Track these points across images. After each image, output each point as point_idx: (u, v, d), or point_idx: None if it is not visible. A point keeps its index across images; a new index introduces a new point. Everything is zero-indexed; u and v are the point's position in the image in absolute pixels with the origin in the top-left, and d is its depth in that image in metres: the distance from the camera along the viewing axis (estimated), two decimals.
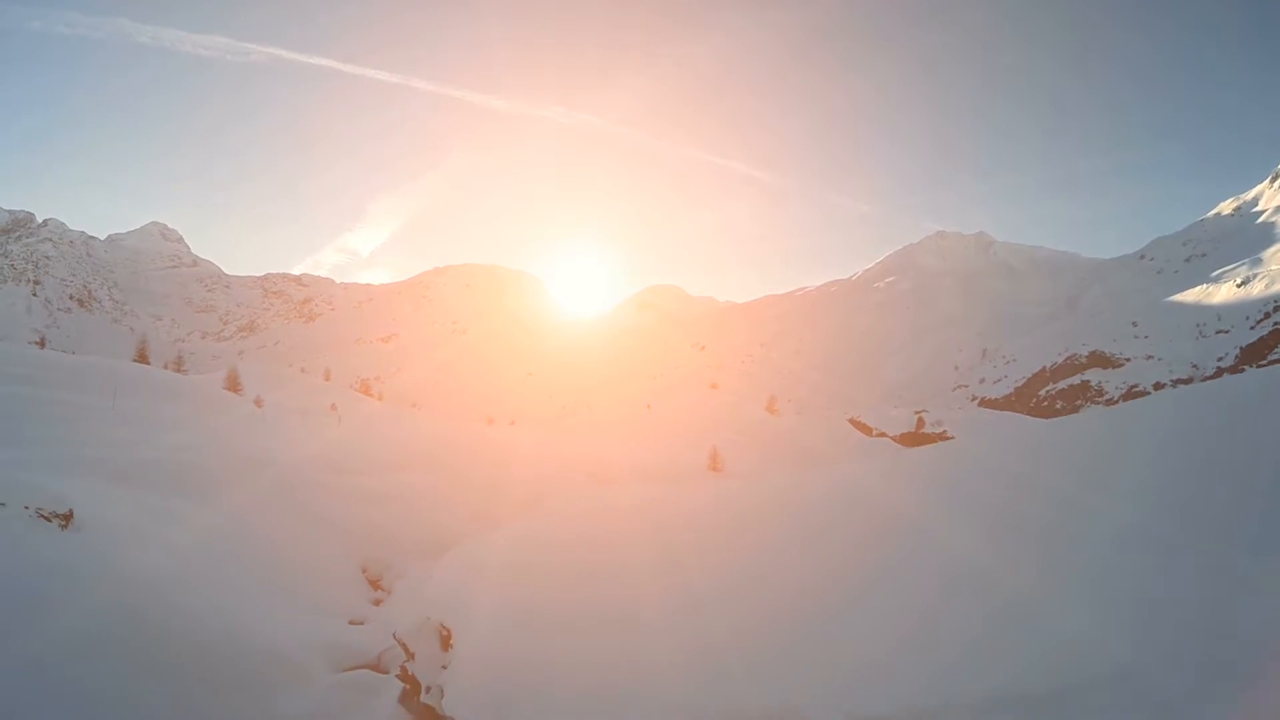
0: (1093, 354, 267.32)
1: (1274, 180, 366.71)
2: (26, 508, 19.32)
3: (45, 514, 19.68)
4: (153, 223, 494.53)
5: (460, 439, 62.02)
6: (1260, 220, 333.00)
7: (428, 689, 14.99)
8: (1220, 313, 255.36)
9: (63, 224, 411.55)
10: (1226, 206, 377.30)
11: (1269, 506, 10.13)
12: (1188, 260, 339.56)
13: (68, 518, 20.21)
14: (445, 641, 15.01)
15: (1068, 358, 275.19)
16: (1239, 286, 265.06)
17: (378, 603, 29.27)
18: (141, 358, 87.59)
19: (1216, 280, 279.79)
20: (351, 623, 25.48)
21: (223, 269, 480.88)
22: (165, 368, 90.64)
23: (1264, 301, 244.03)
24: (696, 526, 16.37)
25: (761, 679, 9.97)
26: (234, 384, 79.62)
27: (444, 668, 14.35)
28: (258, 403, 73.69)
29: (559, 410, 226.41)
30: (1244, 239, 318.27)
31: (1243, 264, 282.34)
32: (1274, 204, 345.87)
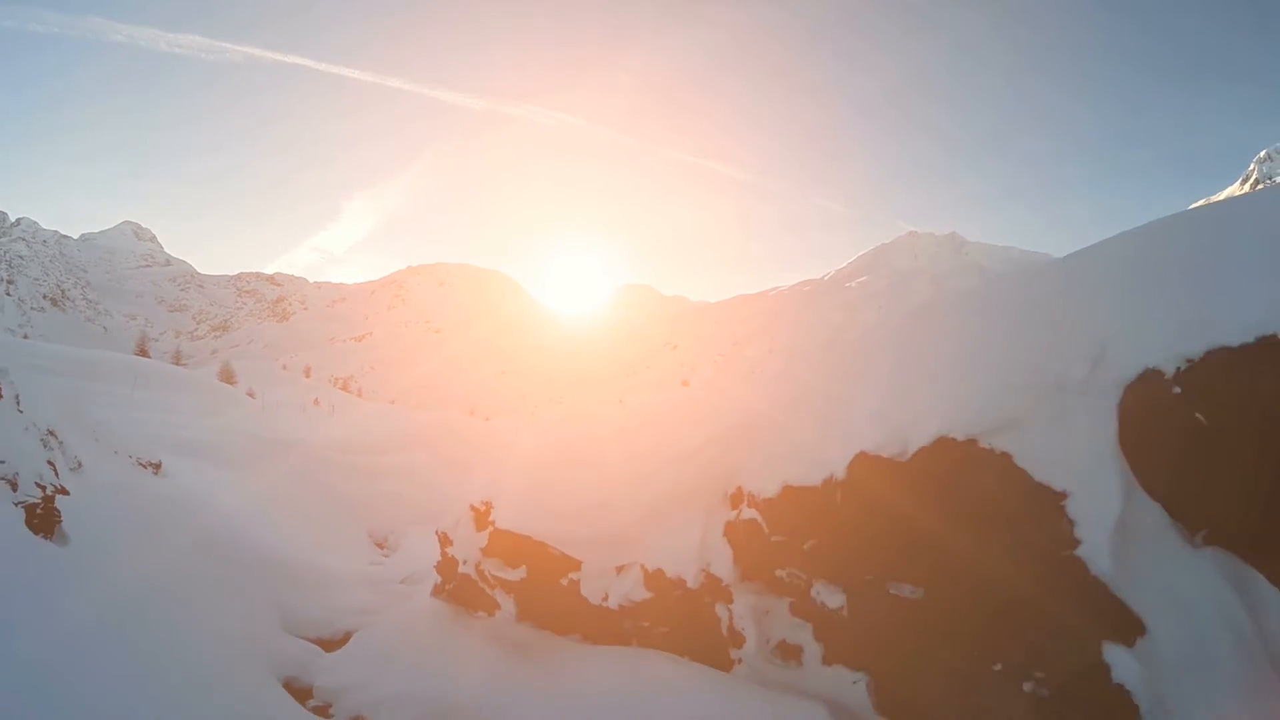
0: None
1: (1244, 182, 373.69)
2: (130, 456, 25.05)
3: (142, 462, 25.43)
4: (126, 222, 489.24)
5: (445, 426, 67.42)
6: None
7: (464, 561, 21.12)
8: None
9: (35, 223, 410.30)
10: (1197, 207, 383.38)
11: None
12: None
13: (158, 466, 26.01)
14: (481, 520, 20.95)
15: None
16: None
17: (385, 557, 35.14)
18: (142, 354, 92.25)
19: None
20: (371, 564, 31.53)
21: (196, 268, 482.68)
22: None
23: None
24: (657, 427, 21.78)
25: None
26: (229, 378, 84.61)
27: (481, 549, 20.67)
28: (250, 394, 78.90)
29: (531, 407, 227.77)
30: None
31: None
32: None
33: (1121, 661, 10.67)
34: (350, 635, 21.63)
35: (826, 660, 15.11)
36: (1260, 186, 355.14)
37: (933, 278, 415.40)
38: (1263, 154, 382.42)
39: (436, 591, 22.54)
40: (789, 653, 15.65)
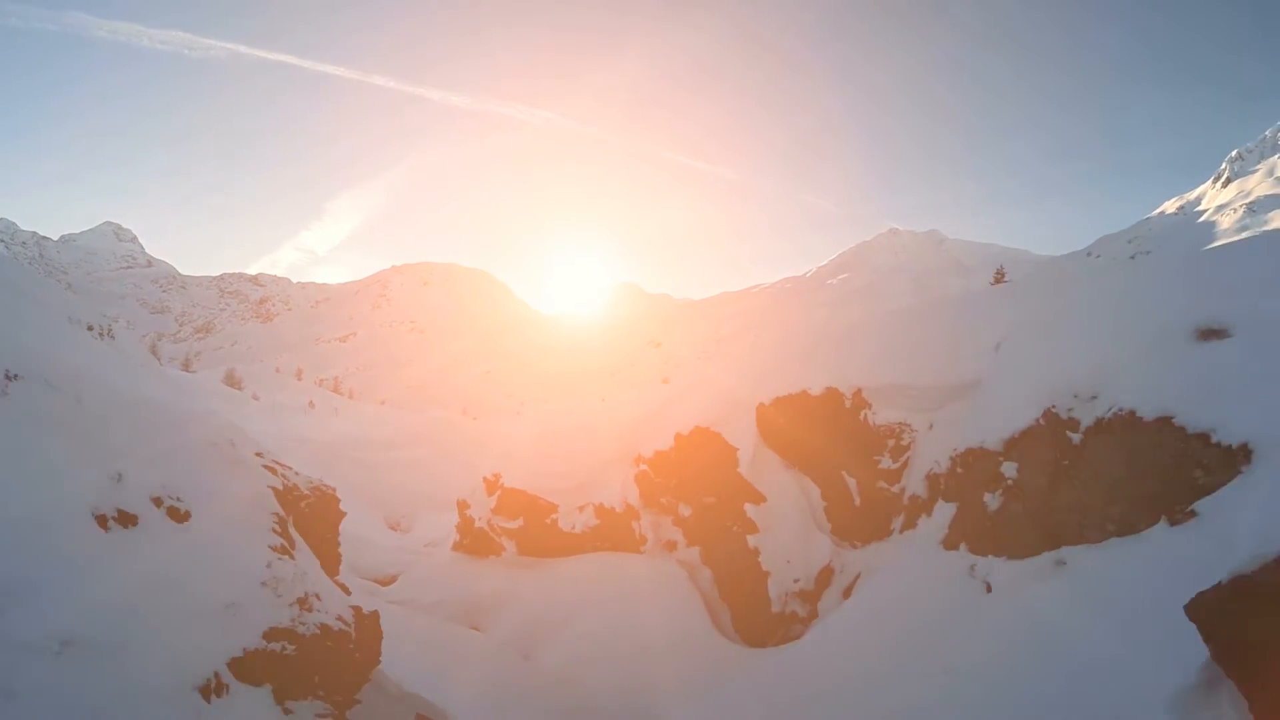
0: None
1: (1217, 180, 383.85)
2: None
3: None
4: (106, 223, 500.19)
5: (442, 425, 77.85)
6: (1203, 219, 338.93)
7: (478, 519, 34.27)
8: None
9: (13, 224, 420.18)
10: (1171, 205, 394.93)
11: None
12: (1133, 257, 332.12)
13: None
14: (492, 487, 34.05)
15: None
16: None
17: (403, 536, 46.80)
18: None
19: None
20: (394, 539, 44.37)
21: (178, 269, 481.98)
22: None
23: None
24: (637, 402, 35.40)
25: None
26: (235, 383, 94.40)
27: (491, 510, 33.39)
28: (255, 397, 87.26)
29: (516, 406, 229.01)
30: (1187, 237, 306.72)
31: None
32: (1216, 203, 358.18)
33: (753, 513, 24.94)
34: (396, 577, 34.57)
35: (687, 545, 28.88)
36: (1231, 184, 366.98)
37: (913, 275, 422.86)
38: (1234, 154, 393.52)
39: (455, 547, 35.11)
40: (669, 545, 29.47)
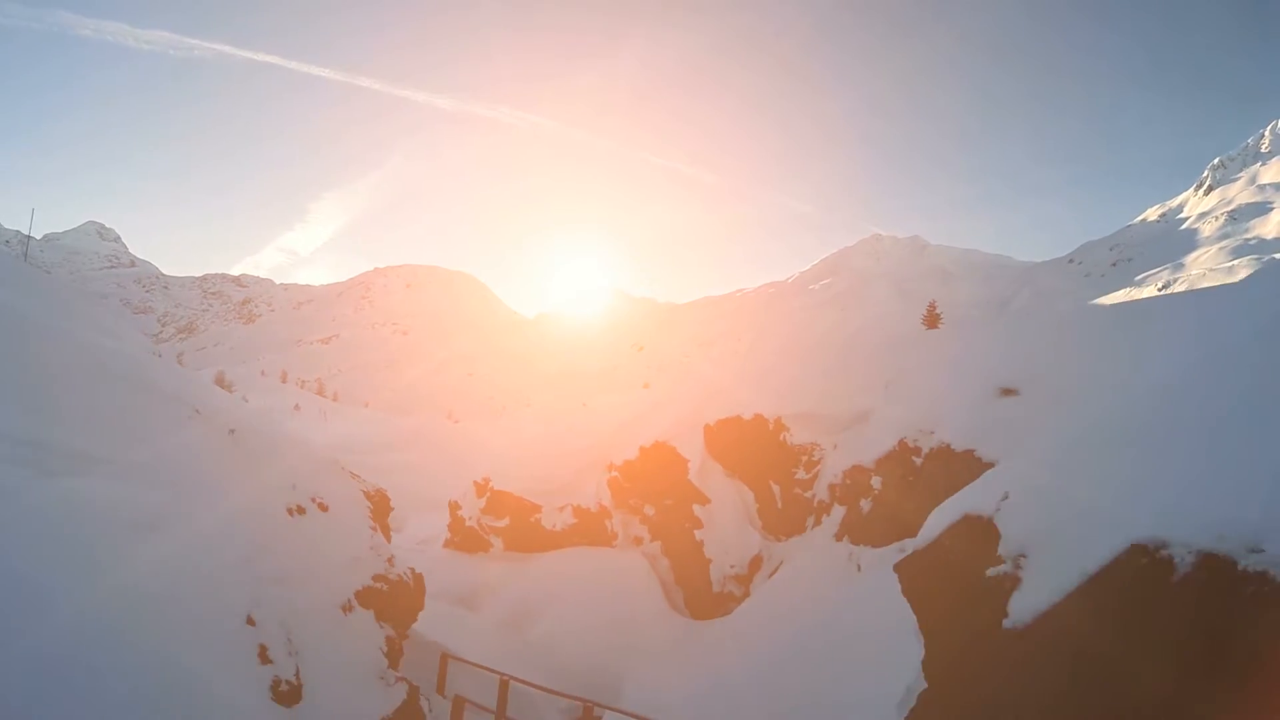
0: None
1: (1198, 188, 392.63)
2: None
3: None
4: (90, 222, 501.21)
5: (429, 430, 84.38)
6: (1184, 226, 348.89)
7: (469, 518, 40.70)
8: None
9: None
10: (1153, 213, 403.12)
11: None
12: (1114, 264, 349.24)
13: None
14: (481, 490, 40.53)
15: None
16: (1160, 290, 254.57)
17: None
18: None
19: (1140, 284, 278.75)
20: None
21: (161, 269, 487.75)
22: None
23: None
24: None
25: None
26: (225, 385, 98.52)
27: (480, 510, 40.18)
28: (245, 400, 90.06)
29: (499, 408, 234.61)
30: (1168, 244, 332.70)
31: (1165, 268, 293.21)
32: (1198, 210, 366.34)
33: (700, 512, 32.54)
34: None
35: (650, 540, 35.82)
36: (1213, 192, 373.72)
37: (894, 280, 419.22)
38: (1216, 161, 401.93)
39: (447, 544, 41.27)
40: (637, 540, 36.37)
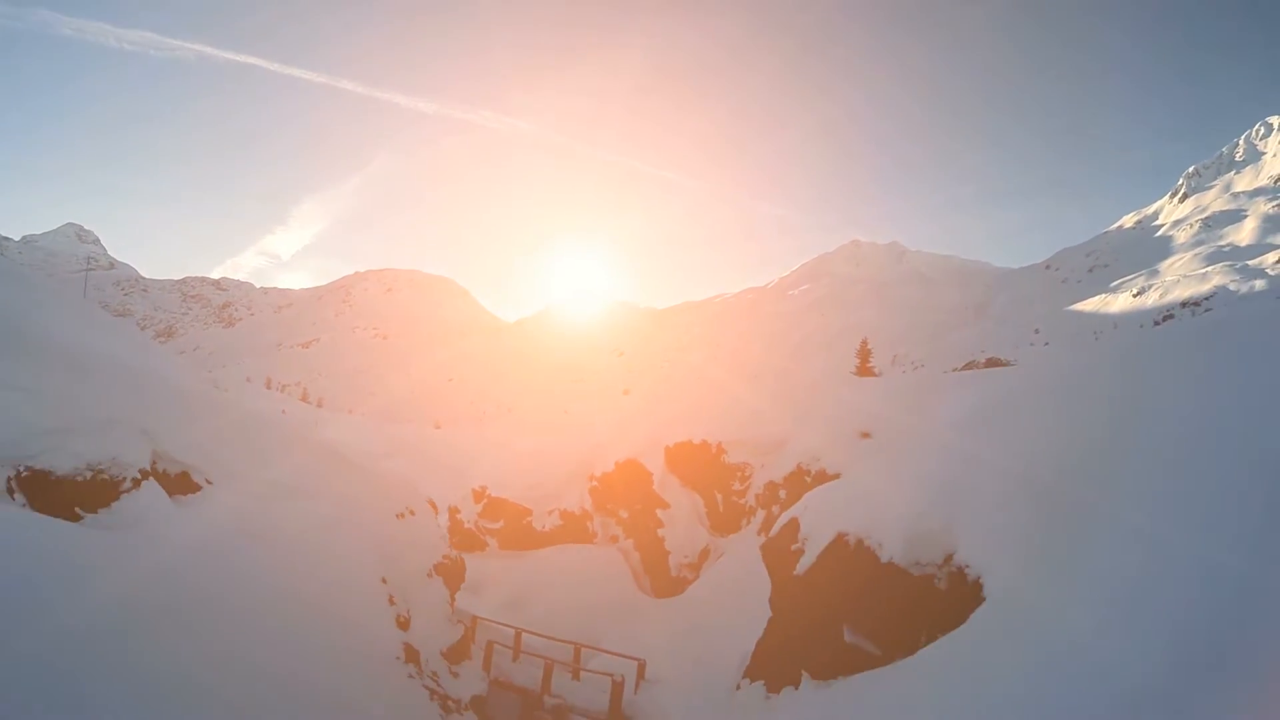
0: (989, 359, 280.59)
1: (1174, 196, 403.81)
2: None
3: None
4: (69, 224, 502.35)
5: (417, 438, 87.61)
6: (1159, 234, 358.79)
7: (467, 521, 50.08)
8: (1116, 321, 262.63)
9: None
10: (1129, 220, 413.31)
11: None
12: (1090, 271, 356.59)
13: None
14: (479, 496, 50.23)
15: (967, 363, 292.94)
16: (1135, 296, 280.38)
17: None
18: None
19: (1115, 290, 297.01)
20: None
21: (140, 272, 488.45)
22: None
23: (1156, 311, 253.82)
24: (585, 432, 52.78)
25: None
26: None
27: (478, 514, 50.32)
28: None
29: (480, 414, 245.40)
30: (1143, 251, 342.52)
31: (1140, 275, 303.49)
32: (1173, 218, 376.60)
33: (662, 515, 42.63)
34: None
35: (625, 538, 45.95)
36: (1188, 199, 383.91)
37: (873, 286, 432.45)
38: (1191, 169, 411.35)
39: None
40: (613, 538, 46.46)
